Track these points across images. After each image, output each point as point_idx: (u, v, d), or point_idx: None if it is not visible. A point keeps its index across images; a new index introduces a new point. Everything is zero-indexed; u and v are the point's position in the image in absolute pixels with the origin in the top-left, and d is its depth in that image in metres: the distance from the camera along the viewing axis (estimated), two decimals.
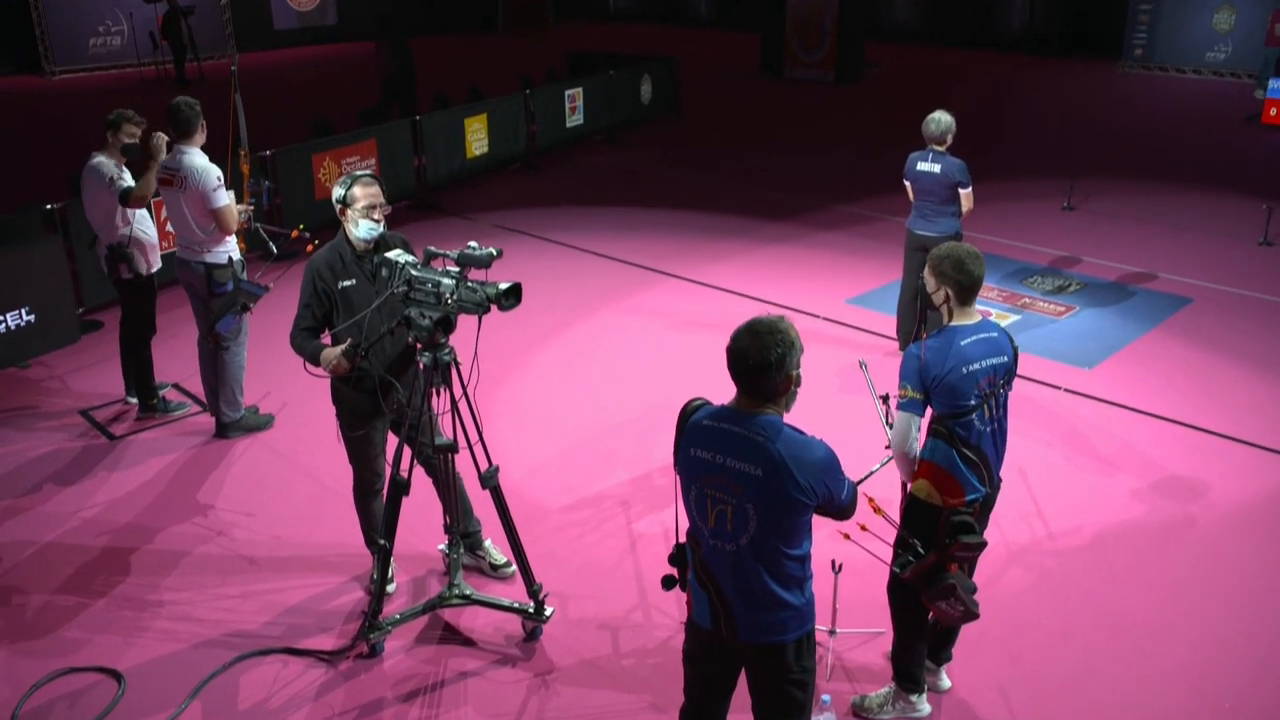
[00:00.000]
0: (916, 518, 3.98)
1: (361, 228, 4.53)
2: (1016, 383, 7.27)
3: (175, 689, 4.49)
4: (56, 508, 5.88)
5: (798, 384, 3.13)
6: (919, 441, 3.96)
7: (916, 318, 7.67)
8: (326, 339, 4.69)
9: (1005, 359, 3.95)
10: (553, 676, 4.59)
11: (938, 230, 7.37)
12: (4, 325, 7.50)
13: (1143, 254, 10.02)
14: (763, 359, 3.01)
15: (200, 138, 6.21)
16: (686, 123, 16.37)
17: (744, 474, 3.04)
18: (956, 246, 3.95)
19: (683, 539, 3.38)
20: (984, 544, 3.79)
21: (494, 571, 5.21)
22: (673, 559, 3.44)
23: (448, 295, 4.13)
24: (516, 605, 4.78)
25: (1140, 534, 5.61)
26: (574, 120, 14.36)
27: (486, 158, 12.85)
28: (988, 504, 4.09)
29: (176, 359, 7.47)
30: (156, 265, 6.72)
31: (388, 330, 4.41)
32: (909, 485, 4.09)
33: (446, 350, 4.34)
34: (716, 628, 3.25)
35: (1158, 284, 9.27)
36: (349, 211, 4.53)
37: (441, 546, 5.10)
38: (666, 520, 5.65)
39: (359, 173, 4.59)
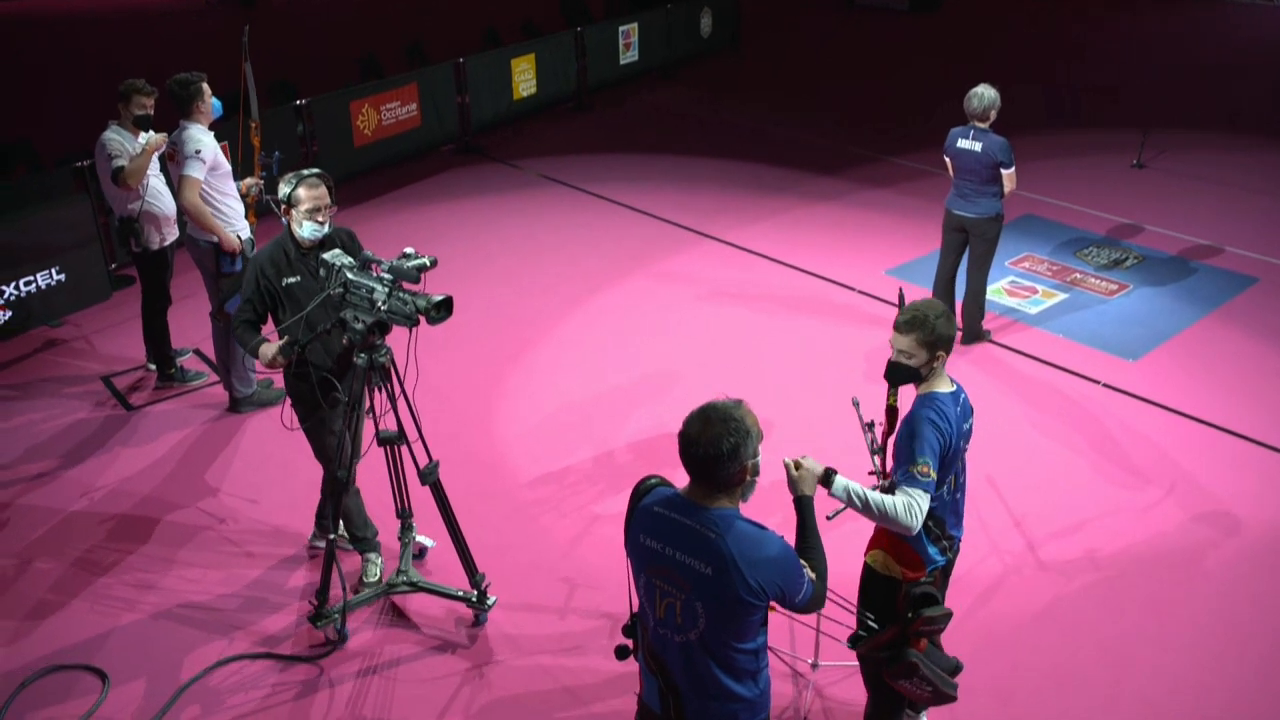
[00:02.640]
0: (873, 589, 3.77)
1: (305, 228, 4.54)
2: (1052, 374, 7.04)
3: (156, 690, 4.57)
4: (67, 486, 5.98)
5: (755, 474, 2.92)
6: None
7: (954, 303, 7.39)
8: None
9: (971, 422, 3.70)
10: (490, 668, 4.68)
11: (977, 211, 7.00)
12: (34, 285, 7.58)
13: (1213, 223, 9.40)
14: (714, 449, 2.80)
15: (202, 114, 6.08)
16: (746, 59, 15.78)
17: (693, 570, 2.86)
18: (931, 306, 3.62)
19: (636, 608, 3.24)
20: (949, 615, 3.57)
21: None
22: (627, 630, 3.31)
23: (380, 303, 4.13)
24: (461, 593, 4.88)
25: (1162, 561, 5.32)
26: (628, 57, 13.93)
27: (534, 99, 12.56)
28: (947, 569, 3.85)
29: (200, 324, 7.47)
30: (173, 237, 6.69)
31: (324, 330, 4.44)
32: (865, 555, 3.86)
33: (383, 352, 4.38)
34: (665, 712, 3.12)
35: (1223, 259, 8.71)
36: (293, 211, 4.52)
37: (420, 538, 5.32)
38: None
39: (306, 172, 4.56)
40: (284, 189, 4.51)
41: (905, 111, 12.99)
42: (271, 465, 6.13)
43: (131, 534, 5.58)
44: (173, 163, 6.14)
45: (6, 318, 7.45)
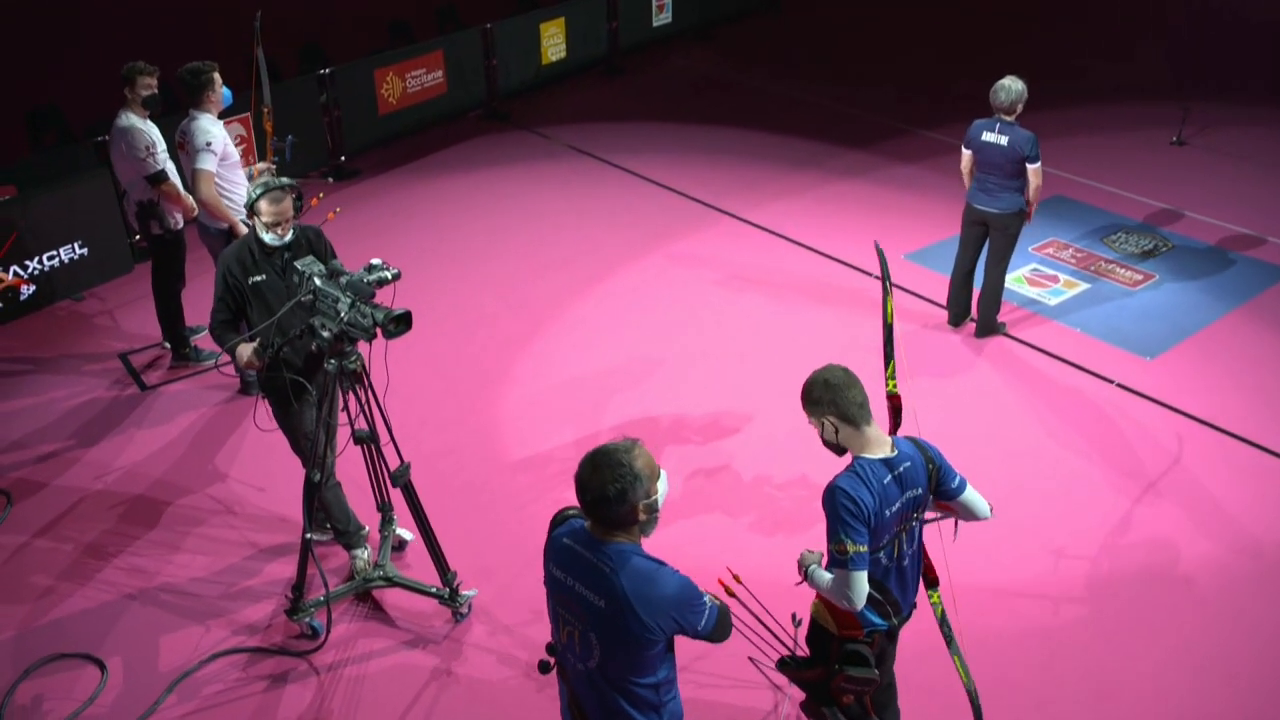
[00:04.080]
0: (814, 635, 3.78)
1: (267, 236, 4.64)
2: (1067, 372, 6.92)
3: (150, 680, 4.72)
4: (81, 467, 6.12)
5: (649, 512, 2.99)
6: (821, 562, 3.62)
7: (971, 296, 7.29)
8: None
9: (920, 491, 3.53)
10: (459, 664, 4.79)
11: (1000, 206, 6.87)
12: (57, 259, 7.71)
13: (1255, 208, 9.09)
14: (600, 493, 2.92)
15: (212, 104, 6.11)
16: (786, 21, 15.42)
17: (588, 602, 2.99)
18: (818, 373, 3.49)
19: None
20: (873, 681, 3.57)
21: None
22: (550, 647, 3.37)
23: (342, 314, 4.23)
24: (434, 590, 5.00)
25: (1159, 580, 5.25)
26: (661, 19, 13.71)
27: (563, 63, 12.43)
28: (893, 634, 3.76)
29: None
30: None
31: (296, 334, 4.52)
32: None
33: (353, 357, 4.46)
34: None
35: (1261, 250, 8.44)
36: (255, 218, 4.62)
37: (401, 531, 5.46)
38: None
39: (274, 183, 4.59)
40: (252, 193, 4.60)
41: (951, 81, 12.58)
42: (279, 451, 6.13)
43: (141, 519, 5.72)
44: (183, 152, 6.19)
45: (31, 292, 7.59)
